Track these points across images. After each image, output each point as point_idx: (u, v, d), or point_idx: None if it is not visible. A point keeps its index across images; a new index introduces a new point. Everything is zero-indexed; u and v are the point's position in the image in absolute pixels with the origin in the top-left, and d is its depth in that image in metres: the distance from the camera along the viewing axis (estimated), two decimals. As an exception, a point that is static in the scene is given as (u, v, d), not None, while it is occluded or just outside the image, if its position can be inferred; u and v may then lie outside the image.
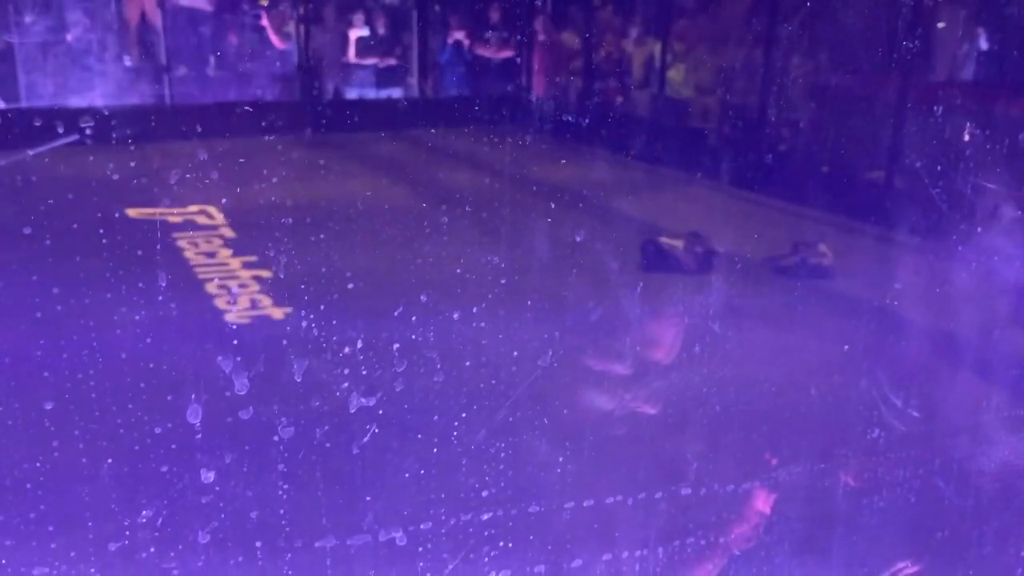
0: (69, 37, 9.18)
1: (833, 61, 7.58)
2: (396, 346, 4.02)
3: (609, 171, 8.45)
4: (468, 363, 3.92)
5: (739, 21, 8.32)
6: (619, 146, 9.09)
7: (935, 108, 6.76)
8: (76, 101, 9.10)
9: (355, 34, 10.35)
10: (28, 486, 2.95)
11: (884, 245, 6.07)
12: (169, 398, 3.49)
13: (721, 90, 8.52)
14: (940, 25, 7.34)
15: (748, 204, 7.23)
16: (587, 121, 9.86)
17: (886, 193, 6.52)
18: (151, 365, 3.78)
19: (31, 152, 7.70)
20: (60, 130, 8.25)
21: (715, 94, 8.58)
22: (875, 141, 6.89)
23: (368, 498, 2.99)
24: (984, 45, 7.43)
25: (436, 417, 3.38)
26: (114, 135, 8.55)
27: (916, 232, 5.97)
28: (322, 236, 5.93)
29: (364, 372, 3.74)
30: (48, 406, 3.36)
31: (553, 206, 7.08)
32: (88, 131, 8.20)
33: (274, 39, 10.05)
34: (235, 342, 4.09)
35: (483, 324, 4.34)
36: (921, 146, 6.45)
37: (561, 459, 3.25)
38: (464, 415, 3.43)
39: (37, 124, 8.56)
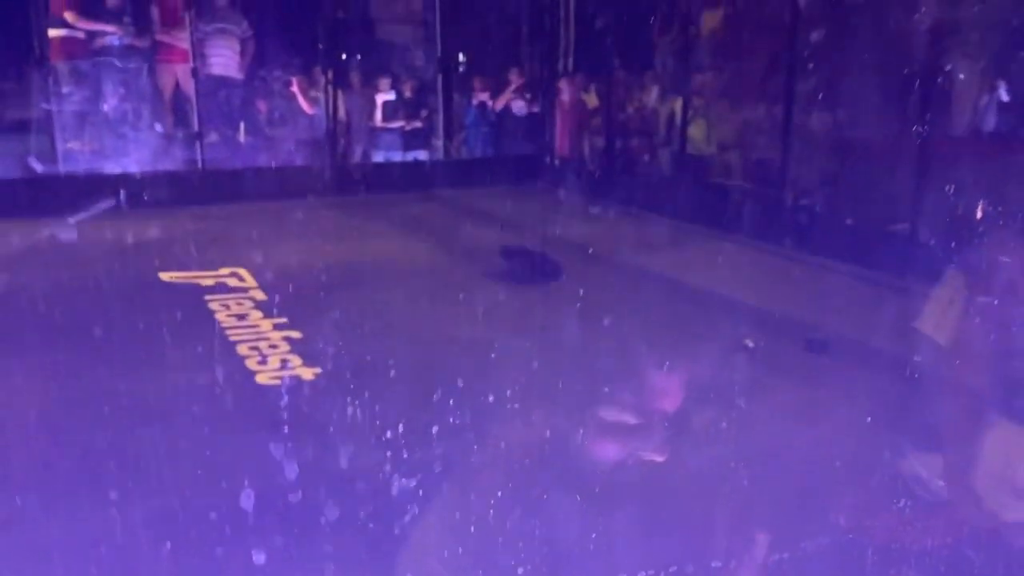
0: (105, 106, 9.50)
1: (853, 116, 7.65)
2: (427, 407, 4.07)
3: (635, 227, 8.54)
4: (500, 426, 3.93)
5: (758, 78, 8.45)
6: (644, 203, 9.18)
7: (957, 161, 6.79)
8: (111, 167, 9.37)
9: (382, 98, 10.61)
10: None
11: (909, 299, 6.04)
12: (201, 461, 3.53)
13: (742, 146, 8.61)
14: (960, 77, 7.40)
15: (773, 259, 7.25)
16: (611, 178, 9.98)
17: (910, 246, 6.51)
18: (185, 427, 3.84)
19: (68, 218, 7.94)
20: (96, 196, 8.50)
21: (736, 150, 8.67)
22: (897, 195, 6.90)
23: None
24: (1004, 97, 7.47)
25: (468, 487, 3.38)
26: (148, 200, 8.80)
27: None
28: (351, 297, 6.02)
29: (395, 435, 3.77)
30: (74, 459, 3.42)
31: (580, 264, 7.14)
32: (123, 197, 8.45)
33: (303, 104, 10.33)
34: (265, 402, 4.14)
35: (515, 383, 4.38)
36: (944, 199, 6.46)
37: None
38: (497, 486, 3.44)
39: (74, 190, 8.82)
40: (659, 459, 3.14)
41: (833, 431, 3.88)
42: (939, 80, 6.63)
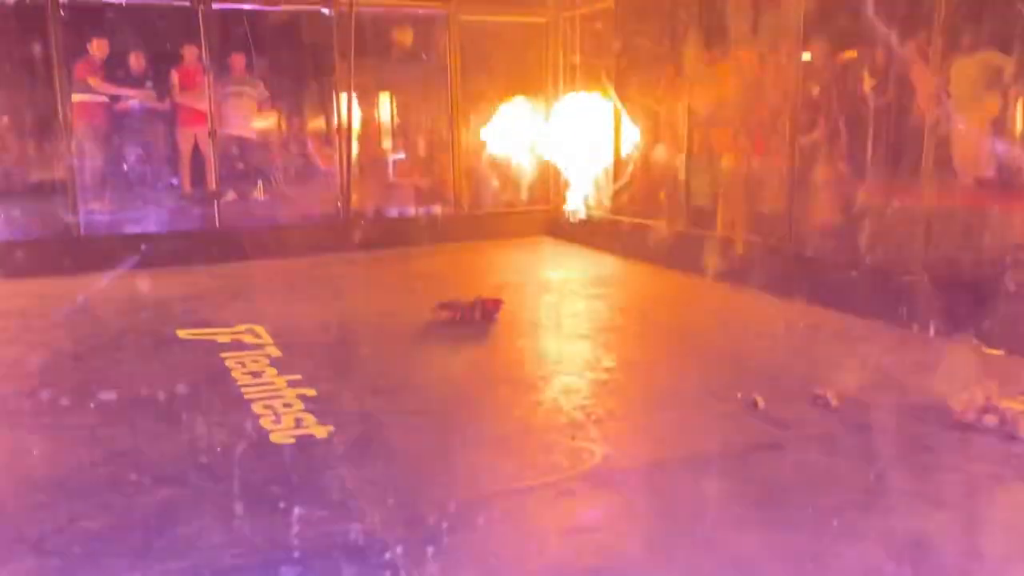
0: (125, 167, 9.78)
1: (859, 167, 7.77)
2: (436, 466, 4.13)
3: (642, 281, 8.63)
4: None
5: (761, 129, 8.60)
6: (651, 255, 9.29)
7: (967, 210, 6.88)
8: (131, 227, 9.61)
9: (393, 155, 10.86)
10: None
11: (925, 349, 6.08)
12: (213, 519, 3.59)
13: (747, 197, 8.72)
14: (960, 127, 7.51)
15: (779, 311, 7.30)
16: (617, 232, 10.11)
17: (921, 297, 6.55)
18: (197, 487, 3.91)
19: (90, 277, 8.13)
20: (116, 255, 8.71)
21: (741, 201, 8.78)
22: (906, 245, 6.97)
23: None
24: (1003, 147, 7.56)
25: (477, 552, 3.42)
26: (166, 258, 9.00)
27: (956, 335, 5.98)
28: (364, 352, 6.12)
29: (409, 498, 3.83)
30: (87, 519, 3.49)
31: (590, 311, 7.21)
32: (143, 256, 8.64)
33: (318, 162, 10.58)
34: (279, 461, 4.20)
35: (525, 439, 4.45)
36: (952, 249, 6.53)
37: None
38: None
39: (95, 249, 9.04)
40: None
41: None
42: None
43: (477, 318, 6.73)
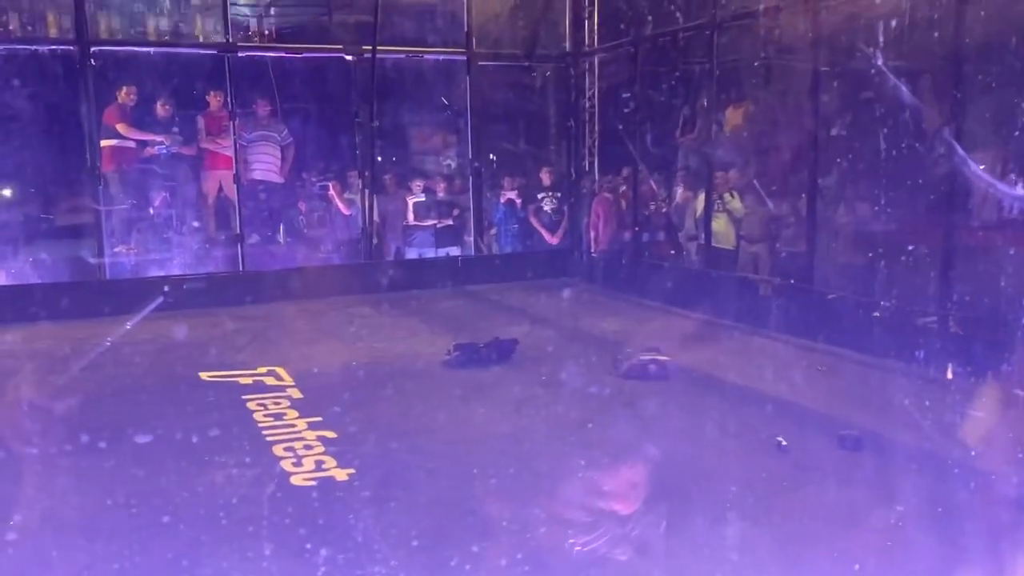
0: (152, 211, 9.94)
1: (876, 208, 7.77)
2: (457, 511, 4.12)
3: (664, 321, 8.62)
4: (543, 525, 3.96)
5: (783, 172, 8.64)
6: (671, 297, 9.29)
7: (984, 251, 6.84)
8: (156, 270, 9.75)
9: (413, 199, 10.99)
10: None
11: (941, 389, 6.02)
12: (235, 561, 3.60)
13: (767, 240, 8.73)
14: (980, 168, 7.51)
15: (800, 352, 7.26)
16: (640, 272, 10.13)
17: (941, 338, 6.51)
18: (221, 527, 3.92)
19: (115, 319, 8.24)
20: (141, 297, 8.83)
21: (762, 243, 8.79)
22: (924, 286, 6.94)
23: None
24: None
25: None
26: (190, 300, 9.11)
27: (975, 377, 5.93)
28: (384, 395, 6.14)
29: (426, 538, 3.82)
30: (109, 561, 3.51)
31: (606, 359, 7.20)
32: (167, 299, 8.75)
33: (340, 206, 10.71)
34: (300, 504, 4.21)
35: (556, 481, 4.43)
36: (972, 290, 6.49)
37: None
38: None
39: (121, 292, 9.17)
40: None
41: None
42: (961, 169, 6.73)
43: (493, 359, 6.80)
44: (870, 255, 7.65)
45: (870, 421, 5.25)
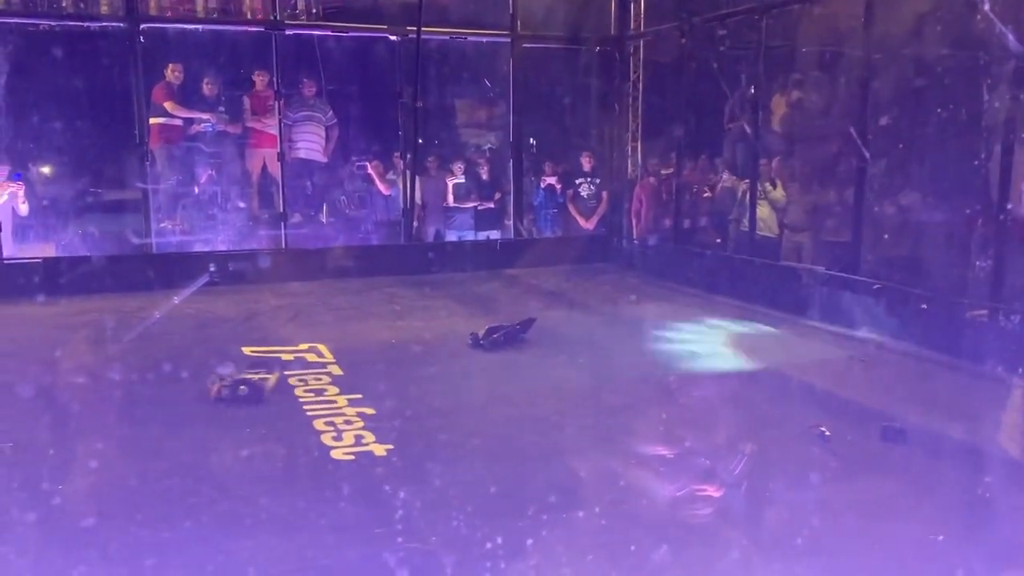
0: (197, 188, 10.07)
1: (925, 196, 7.61)
2: (492, 488, 4.13)
3: (700, 309, 8.54)
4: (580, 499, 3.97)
5: (829, 159, 8.49)
6: (712, 284, 9.21)
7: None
8: (201, 246, 9.90)
9: (454, 180, 11.00)
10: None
11: (989, 384, 5.89)
12: (272, 533, 3.65)
13: (812, 229, 8.60)
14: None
15: (844, 342, 7.15)
16: (681, 259, 10.05)
17: (989, 331, 6.37)
18: (261, 499, 3.98)
19: (161, 293, 8.38)
20: (186, 272, 8.97)
21: (806, 232, 8.66)
22: (975, 277, 6.79)
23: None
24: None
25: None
26: (233, 276, 9.23)
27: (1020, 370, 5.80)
28: (422, 373, 6.17)
29: (460, 510, 3.84)
30: (154, 527, 3.58)
31: (648, 345, 7.16)
32: (213, 275, 8.88)
33: (380, 187, 10.76)
34: (339, 477, 4.26)
35: (589, 460, 4.43)
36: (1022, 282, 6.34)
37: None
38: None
39: (166, 267, 9.33)
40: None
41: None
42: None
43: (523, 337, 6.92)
44: (918, 245, 7.50)
45: (914, 414, 5.16)
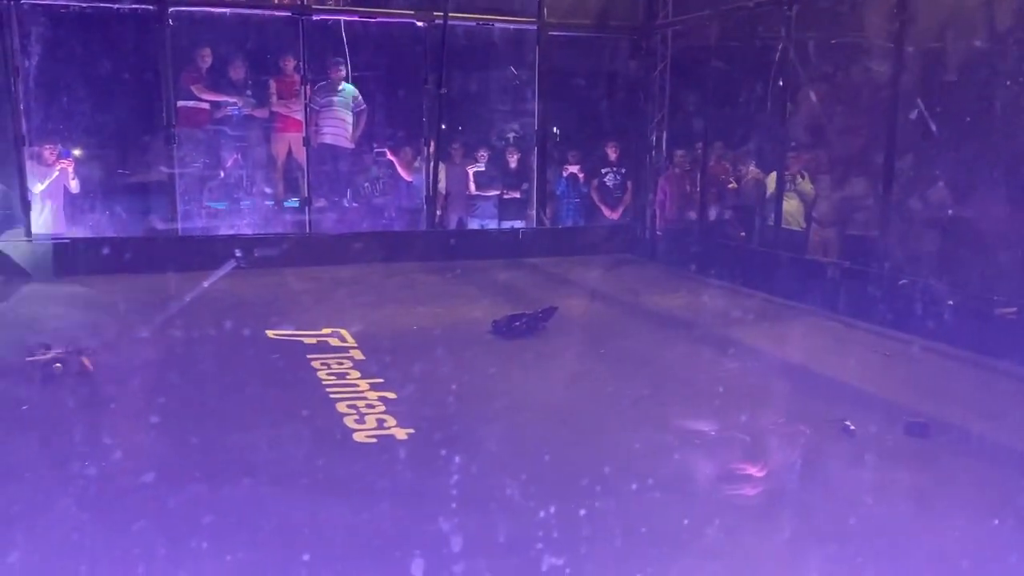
0: (223, 172, 10.14)
1: (956, 192, 7.51)
2: (521, 474, 4.14)
3: (726, 301, 8.50)
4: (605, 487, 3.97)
5: (857, 152, 8.41)
6: (737, 276, 9.15)
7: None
8: (226, 228, 9.97)
9: (474, 169, 10.99)
10: None
11: (1017, 382, 5.83)
12: (291, 509, 3.69)
13: (839, 223, 8.52)
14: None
15: (867, 337, 7.09)
16: (705, 250, 10.00)
17: (1018, 328, 6.29)
18: (283, 483, 4.02)
19: (184, 275, 8.45)
20: (211, 255, 9.04)
21: (833, 226, 8.59)
22: (1005, 275, 6.71)
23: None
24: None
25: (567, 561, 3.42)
26: (258, 260, 9.29)
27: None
28: (443, 358, 6.19)
29: (482, 496, 3.85)
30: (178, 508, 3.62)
31: (667, 336, 7.14)
32: (238, 258, 8.94)
33: (403, 173, 10.78)
34: (361, 459, 4.29)
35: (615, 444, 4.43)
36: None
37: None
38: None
39: (191, 249, 9.41)
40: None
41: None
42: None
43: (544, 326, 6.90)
44: (946, 241, 7.41)
45: (938, 409, 5.11)
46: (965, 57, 7.37)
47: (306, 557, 3.26)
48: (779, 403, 5.32)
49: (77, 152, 9.81)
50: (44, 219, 9.26)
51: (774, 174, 9.17)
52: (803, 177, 8.90)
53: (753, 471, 4.03)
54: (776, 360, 6.32)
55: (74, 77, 9.55)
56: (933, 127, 7.36)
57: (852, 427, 4.68)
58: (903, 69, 7.53)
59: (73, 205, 9.60)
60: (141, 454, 4.33)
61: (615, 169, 11.34)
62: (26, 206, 9.01)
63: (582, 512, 3.67)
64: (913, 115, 7.60)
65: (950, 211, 7.51)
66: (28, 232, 9.02)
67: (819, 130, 9.01)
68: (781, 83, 9.06)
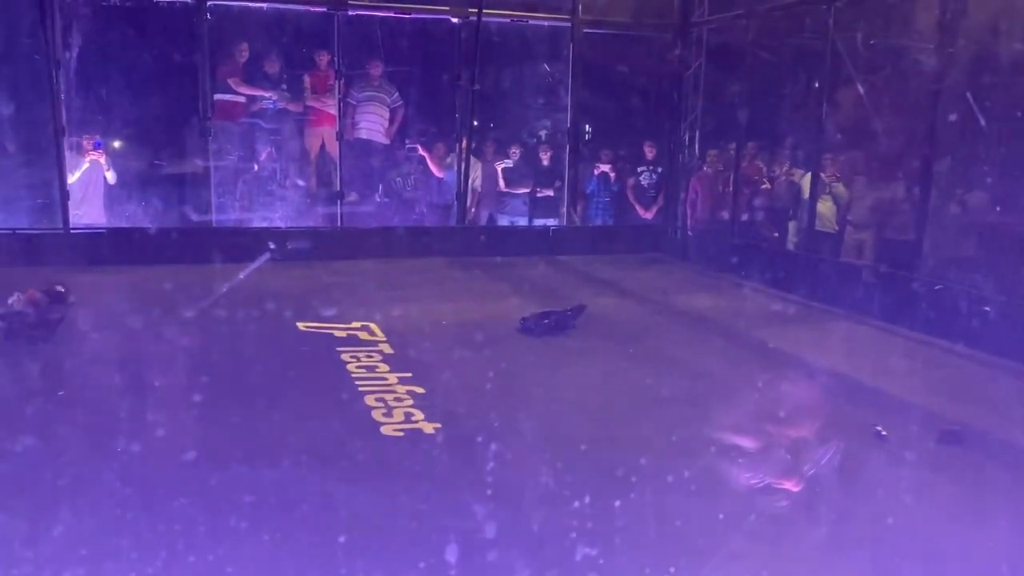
0: (257, 165, 10.24)
1: (995, 198, 7.37)
2: (545, 471, 4.14)
3: (756, 303, 8.43)
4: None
5: (895, 154, 8.28)
6: (769, 278, 9.06)
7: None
8: (258, 221, 10.06)
9: (502, 165, 10.98)
10: None
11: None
12: (316, 498, 3.72)
13: (875, 226, 8.40)
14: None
15: (905, 343, 6.99)
16: (737, 252, 9.91)
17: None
18: (306, 469, 4.05)
19: (218, 266, 8.55)
20: (244, 246, 9.13)
21: (869, 229, 8.47)
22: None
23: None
24: None
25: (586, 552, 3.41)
26: (290, 252, 9.37)
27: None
28: (471, 354, 6.20)
29: (508, 488, 3.86)
30: (210, 496, 3.66)
31: (697, 336, 7.10)
32: (273, 252, 9.02)
33: (435, 169, 10.81)
34: (387, 452, 4.31)
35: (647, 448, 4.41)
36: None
37: None
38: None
39: (224, 240, 9.50)
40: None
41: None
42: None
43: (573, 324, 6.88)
44: (984, 246, 7.28)
45: (974, 417, 5.03)
46: (1012, 58, 7.22)
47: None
48: (809, 407, 5.26)
49: (116, 144, 9.96)
50: (81, 210, 9.41)
51: (808, 175, 9.06)
52: (838, 179, 8.78)
53: (781, 475, 3.99)
54: (806, 363, 6.24)
55: (113, 69, 9.68)
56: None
57: (884, 433, 4.62)
58: (945, 69, 7.40)
59: (110, 196, 9.73)
60: (183, 433, 4.40)
61: (651, 168, 11.28)
62: (64, 196, 9.16)
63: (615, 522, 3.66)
64: (952, 117, 7.48)
65: (990, 215, 7.38)
66: (65, 222, 9.17)
67: (856, 131, 8.88)
68: (818, 83, 8.95)
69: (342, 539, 3.37)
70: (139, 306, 7.17)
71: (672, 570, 3.24)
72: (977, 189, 7.55)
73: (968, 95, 7.38)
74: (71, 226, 9.20)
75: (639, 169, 11.32)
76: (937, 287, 7.18)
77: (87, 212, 9.45)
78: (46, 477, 3.83)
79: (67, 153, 9.26)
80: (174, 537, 3.32)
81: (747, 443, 4.41)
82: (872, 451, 4.52)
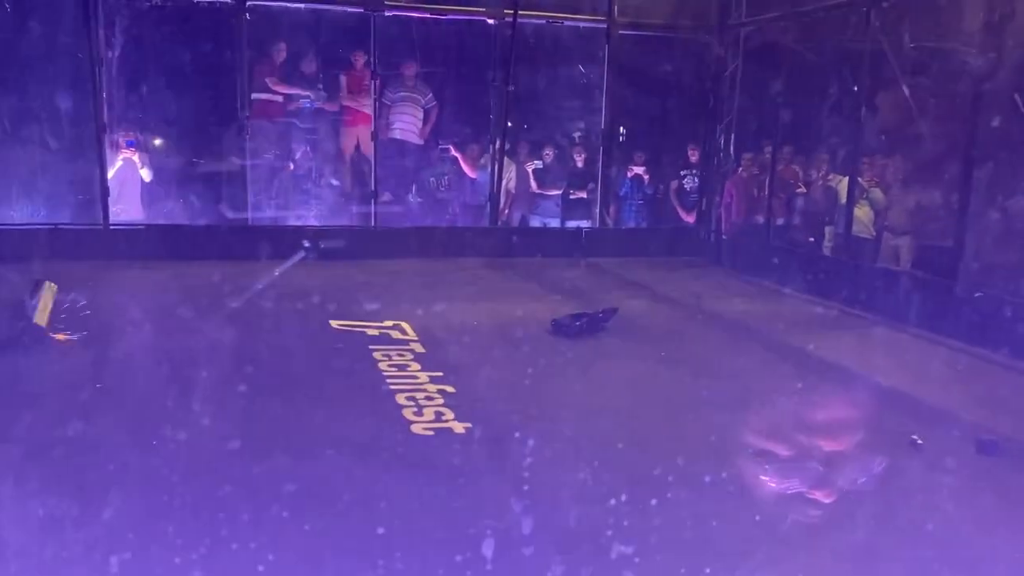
0: (292, 164, 10.34)
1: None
2: (573, 469, 4.12)
3: (790, 308, 8.33)
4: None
5: (934, 159, 8.15)
6: (804, 284, 8.95)
7: None
8: (293, 220, 10.16)
9: (533, 167, 10.96)
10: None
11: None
12: (356, 505, 3.74)
13: (912, 232, 8.27)
14: None
15: (943, 351, 6.87)
16: (771, 256, 9.81)
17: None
18: (337, 465, 4.07)
19: (254, 264, 8.64)
20: (278, 244, 9.21)
21: (906, 235, 8.34)
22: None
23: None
24: None
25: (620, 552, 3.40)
26: (324, 251, 9.44)
27: None
28: (503, 354, 6.20)
29: (542, 487, 3.85)
30: (239, 491, 3.70)
31: (730, 340, 7.04)
32: (306, 248, 9.11)
33: (468, 170, 10.83)
34: (417, 450, 4.33)
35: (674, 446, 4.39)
36: None
37: None
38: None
39: (260, 238, 9.60)
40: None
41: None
42: None
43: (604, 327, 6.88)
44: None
45: (1013, 427, 4.93)
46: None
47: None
48: (845, 414, 5.19)
49: (156, 141, 10.11)
50: (119, 206, 9.55)
51: (846, 180, 8.94)
52: (876, 184, 8.66)
53: (813, 486, 3.94)
54: (841, 370, 6.16)
55: (154, 68, 9.84)
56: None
57: (920, 441, 4.54)
58: (989, 72, 7.26)
59: (148, 193, 9.89)
60: (225, 424, 4.46)
61: (694, 172, 11.21)
62: (105, 192, 9.32)
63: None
64: (995, 122, 7.34)
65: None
66: (105, 218, 9.33)
67: (896, 135, 8.75)
68: (856, 86, 8.83)
69: (380, 531, 3.39)
70: (177, 301, 7.26)
71: (708, 571, 3.22)
72: (1020, 195, 7.40)
73: (1016, 98, 7.24)
74: (111, 222, 9.36)
75: (682, 172, 11.25)
76: (977, 294, 7.05)
77: (123, 209, 9.60)
78: (94, 463, 3.92)
79: (107, 150, 9.42)
80: (217, 525, 3.37)
81: (780, 450, 4.35)
82: (909, 460, 4.44)
